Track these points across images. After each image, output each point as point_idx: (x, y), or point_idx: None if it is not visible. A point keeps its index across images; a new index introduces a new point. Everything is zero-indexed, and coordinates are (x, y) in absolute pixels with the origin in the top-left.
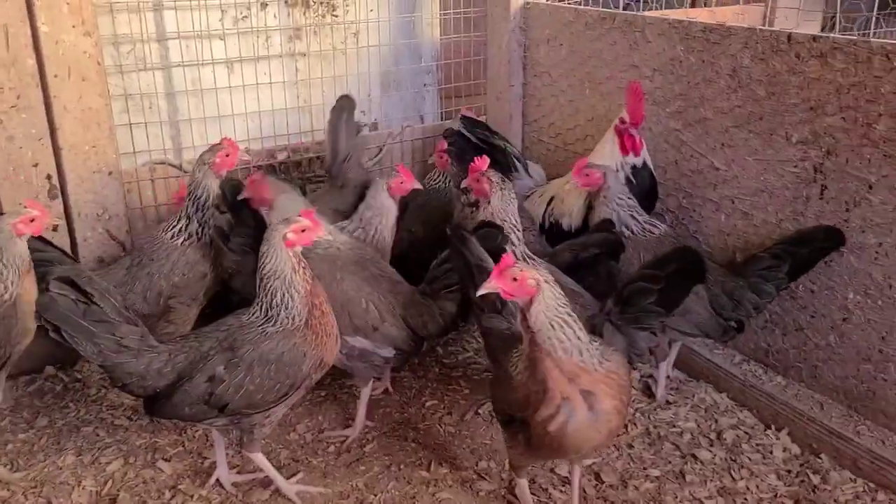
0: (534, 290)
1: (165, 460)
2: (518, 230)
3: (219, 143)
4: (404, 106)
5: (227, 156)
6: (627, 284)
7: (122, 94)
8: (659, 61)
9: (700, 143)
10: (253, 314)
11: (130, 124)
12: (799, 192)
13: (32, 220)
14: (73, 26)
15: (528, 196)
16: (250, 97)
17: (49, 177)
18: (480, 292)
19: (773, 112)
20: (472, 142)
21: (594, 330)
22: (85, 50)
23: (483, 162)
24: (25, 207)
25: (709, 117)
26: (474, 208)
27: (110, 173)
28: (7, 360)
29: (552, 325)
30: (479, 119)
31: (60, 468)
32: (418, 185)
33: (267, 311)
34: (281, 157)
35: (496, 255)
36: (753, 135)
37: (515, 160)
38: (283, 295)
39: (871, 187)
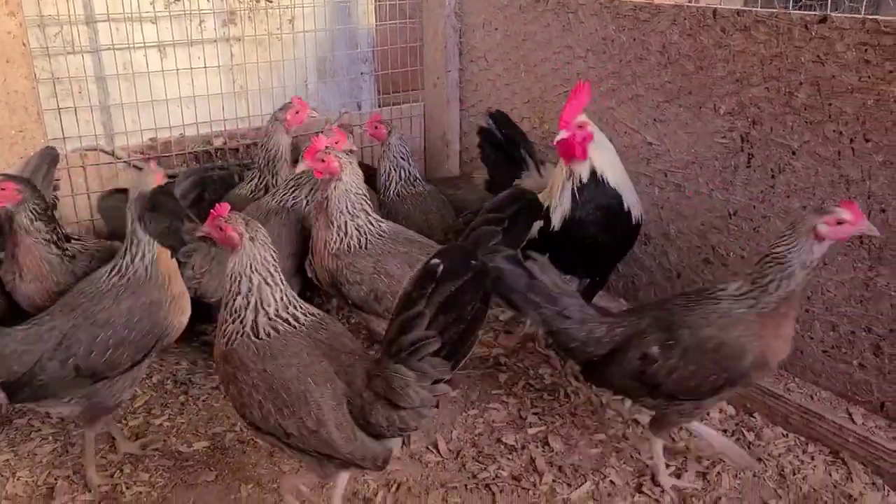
0: (237, 242)
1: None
2: (367, 200)
3: (289, 102)
4: (341, 93)
5: (296, 113)
6: (473, 229)
7: (50, 77)
8: (592, 41)
9: (633, 120)
10: (735, 291)
11: (59, 109)
12: (728, 162)
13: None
14: None
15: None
16: (184, 82)
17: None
18: (197, 233)
19: (702, 85)
20: (499, 139)
21: None
22: (9, 31)
23: (319, 141)
24: None
25: (641, 94)
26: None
27: None
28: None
29: (253, 272)
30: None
31: None
32: (315, 114)
33: (748, 291)
34: (217, 143)
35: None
36: (683, 108)
37: (528, 157)
38: (780, 280)
39: (794, 153)
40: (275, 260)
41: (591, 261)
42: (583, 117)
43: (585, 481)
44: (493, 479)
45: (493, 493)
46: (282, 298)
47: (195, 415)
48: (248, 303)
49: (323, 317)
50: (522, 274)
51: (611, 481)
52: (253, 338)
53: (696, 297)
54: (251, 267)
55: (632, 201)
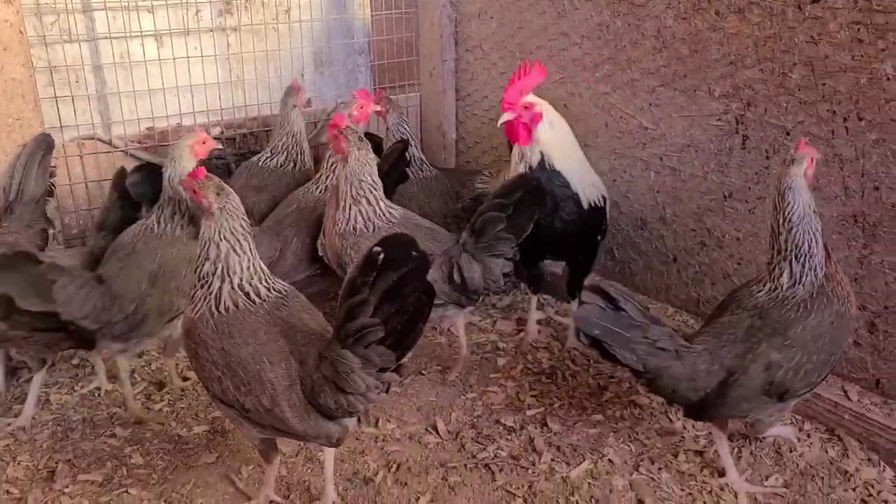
0: (207, 208)
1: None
2: (376, 188)
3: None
4: (337, 84)
5: (361, 107)
6: (479, 216)
7: (47, 66)
8: (587, 27)
9: (628, 105)
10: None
11: (56, 98)
12: (723, 145)
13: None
14: None
15: None
16: (181, 71)
17: (221, 134)
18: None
19: (697, 69)
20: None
21: (452, 262)
22: (6, 18)
23: (341, 119)
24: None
25: (636, 78)
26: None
27: None
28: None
29: (221, 239)
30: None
31: None
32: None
33: (790, 275)
34: (215, 132)
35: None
36: (679, 92)
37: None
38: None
39: (788, 134)
40: (244, 229)
41: (554, 246)
42: (531, 98)
43: (584, 460)
44: (493, 458)
45: (493, 472)
46: (248, 268)
47: (194, 400)
48: (216, 269)
49: (287, 292)
50: (607, 307)
51: (609, 460)
52: (214, 310)
53: (764, 297)
54: (220, 234)
55: (584, 185)
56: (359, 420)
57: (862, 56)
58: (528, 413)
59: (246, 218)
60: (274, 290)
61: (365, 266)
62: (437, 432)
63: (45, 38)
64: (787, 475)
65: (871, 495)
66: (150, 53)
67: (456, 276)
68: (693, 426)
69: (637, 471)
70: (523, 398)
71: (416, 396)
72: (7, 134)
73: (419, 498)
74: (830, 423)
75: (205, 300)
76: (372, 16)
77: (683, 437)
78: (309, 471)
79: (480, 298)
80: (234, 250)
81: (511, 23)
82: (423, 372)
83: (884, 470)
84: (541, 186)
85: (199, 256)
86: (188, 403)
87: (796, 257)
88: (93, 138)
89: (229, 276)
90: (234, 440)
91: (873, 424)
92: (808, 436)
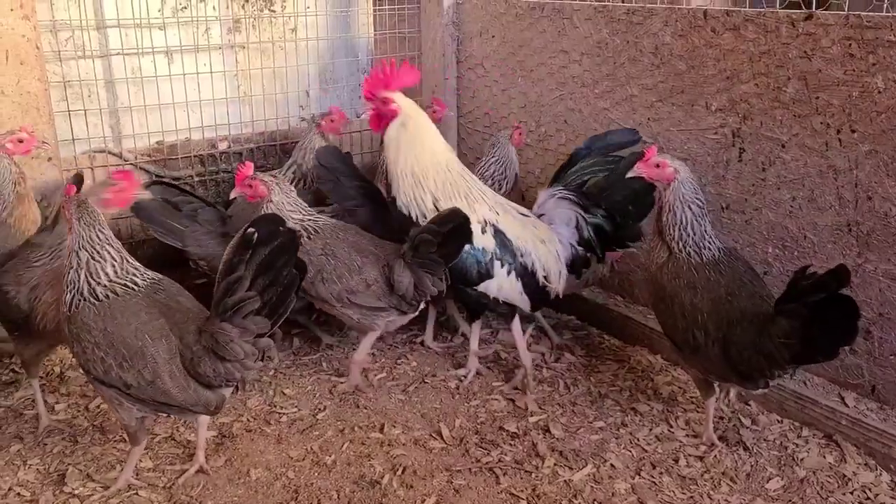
0: (71, 222)
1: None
2: (303, 209)
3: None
4: (341, 102)
5: (332, 121)
6: (418, 234)
7: (61, 81)
8: (586, 45)
9: (628, 120)
10: None
11: (69, 112)
12: (720, 157)
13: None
14: (12, 9)
15: None
16: (190, 87)
17: (45, 142)
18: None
19: (694, 84)
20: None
21: (389, 265)
22: (23, 34)
23: (248, 168)
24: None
25: (635, 94)
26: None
27: (49, 159)
28: None
29: (80, 249)
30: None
31: (6, 451)
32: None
33: None
34: (222, 147)
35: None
36: (676, 107)
37: None
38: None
39: (783, 146)
40: (103, 238)
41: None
42: (394, 95)
43: (586, 465)
44: (497, 462)
45: (497, 476)
46: (114, 269)
47: None
48: (79, 276)
49: (161, 279)
50: None
51: (611, 465)
52: (93, 301)
53: None
54: (79, 245)
55: (399, 188)
56: (235, 389)
57: (854, 70)
58: (531, 420)
59: (106, 228)
60: (147, 277)
61: (240, 246)
62: (442, 438)
63: (59, 53)
64: (787, 480)
65: (868, 499)
66: (161, 69)
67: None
68: (693, 433)
69: (639, 475)
70: (526, 405)
71: (420, 403)
72: None
73: (425, 500)
74: (828, 428)
75: (78, 302)
76: (375, 35)
77: (683, 441)
78: (316, 474)
79: (418, 307)
80: (94, 258)
81: (512, 41)
82: (426, 380)
83: (881, 474)
84: (468, 226)
85: (66, 266)
86: None
87: None
88: (104, 151)
89: (95, 279)
90: (243, 444)
91: (870, 430)
92: (806, 441)
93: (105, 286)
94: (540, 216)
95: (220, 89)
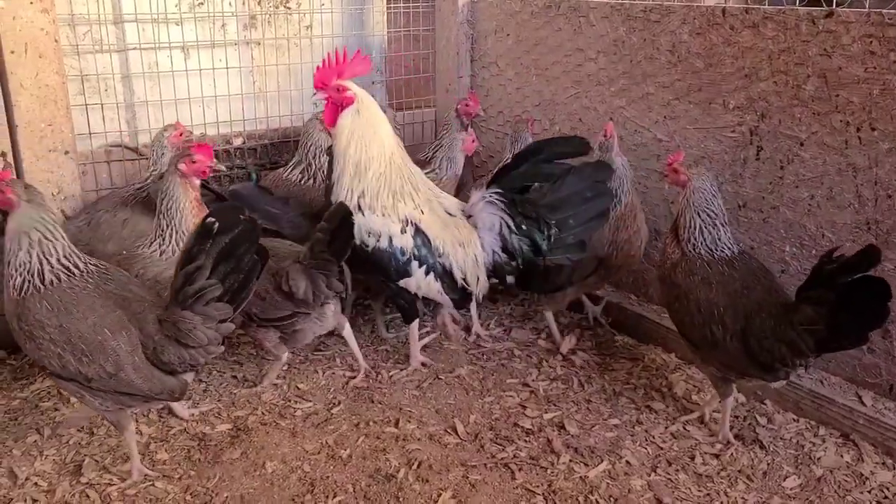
0: (14, 203)
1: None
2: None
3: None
4: None
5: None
6: (314, 234)
7: (78, 75)
8: (603, 43)
9: (643, 118)
10: None
11: (86, 105)
12: (737, 156)
13: None
14: (31, 3)
15: None
16: (206, 82)
17: (3, 154)
18: None
19: (711, 82)
20: None
21: (285, 273)
22: (42, 27)
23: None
24: None
25: (651, 92)
26: None
27: (66, 152)
28: None
29: (31, 229)
30: None
31: (23, 442)
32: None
33: None
34: (237, 142)
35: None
36: (693, 105)
37: None
38: None
39: (802, 144)
40: (52, 217)
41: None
42: (348, 83)
43: (602, 461)
44: (512, 458)
45: (512, 471)
46: (61, 249)
47: (217, 401)
48: (31, 257)
49: (108, 268)
50: None
51: (627, 462)
52: (40, 286)
53: None
54: (30, 224)
55: (340, 176)
56: (196, 372)
57: (874, 68)
58: (546, 416)
59: (53, 210)
60: (91, 264)
61: (200, 236)
62: (457, 433)
63: (77, 47)
64: (804, 479)
65: (886, 497)
66: (178, 65)
67: (284, 286)
68: (708, 431)
69: (655, 472)
70: (540, 402)
71: (434, 399)
72: (39, 139)
73: (441, 494)
74: (845, 427)
75: (28, 284)
76: (390, 33)
77: (698, 439)
78: (332, 467)
79: (323, 310)
80: (46, 237)
81: (527, 39)
82: (440, 376)
83: None
84: (350, 217)
85: (10, 250)
86: (213, 405)
87: None
88: (120, 146)
89: (46, 258)
90: (258, 437)
91: (888, 429)
92: (823, 440)
93: (53, 267)
94: (469, 217)
95: (236, 85)
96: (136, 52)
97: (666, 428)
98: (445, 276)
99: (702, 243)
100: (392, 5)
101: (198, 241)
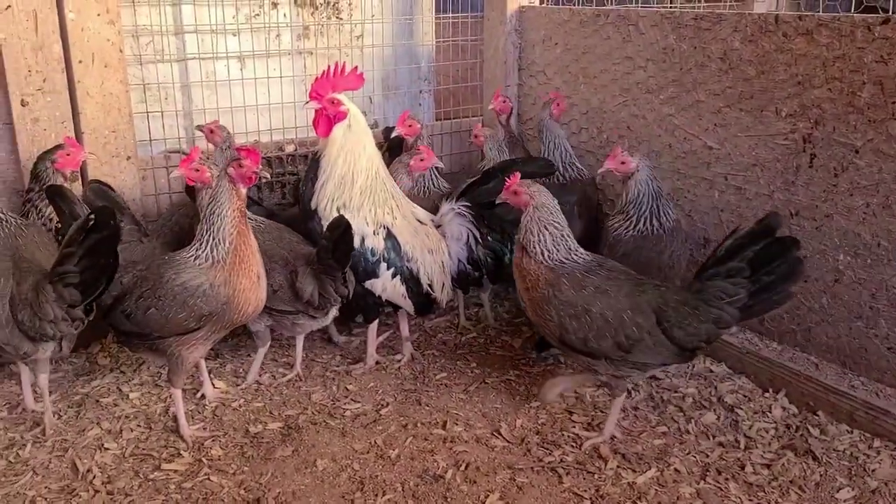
0: None
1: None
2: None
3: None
4: (402, 108)
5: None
6: (321, 242)
7: (140, 84)
8: (652, 51)
9: (693, 126)
10: None
11: (147, 113)
12: (789, 163)
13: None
14: (99, 14)
15: None
16: (260, 91)
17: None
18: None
19: (763, 90)
20: None
21: (297, 272)
22: (108, 38)
23: (195, 152)
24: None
25: (701, 100)
26: None
27: (128, 158)
28: None
29: None
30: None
31: (84, 435)
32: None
33: None
34: (289, 149)
35: None
36: (745, 112)
37: None
38: None
39: (857, 152)
40: None
41: None
42: (342, 97)
43: (650, 468)
44: (559, 462)
45: (559, 475)
46: None
47: (269, 400)
48: None
49: (34, 226)
50: None
51: (675, 469)
52: None
53: None
54: None
55: (324, 184)
56: (59, 347)
57: None
58: (593, 422)
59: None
60: (11, 218)
61: (80, 227)
62: (503, 436)
63: (140, 57)
64: (859, 491)
65: None
66: (234, 74)
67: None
68: (759, 442)
69: (704, 480)
70: (586, 409)
71: (481, 403)
72: (103, 145)
73: (488, 496)
74: None
75: None
76: (438, 43)
77: (750, 449)
78: (380, 467)
79: (326, 313)
80: None
81: (575, 48)
82: (486, 381)
83: None
84: (349, 229)
85: None
86: (263, 403)
87: None
88: (178, 152)
89: None
90: (309, 436)
91: None
92: (878, 452)
93: None
94: (438, 227)
95: (289, 93)
96: (195, 62)
97: (714, 437)
98: (412, 280)
99: (555, 254)
100: (440, 15)
101: (79, 230)
